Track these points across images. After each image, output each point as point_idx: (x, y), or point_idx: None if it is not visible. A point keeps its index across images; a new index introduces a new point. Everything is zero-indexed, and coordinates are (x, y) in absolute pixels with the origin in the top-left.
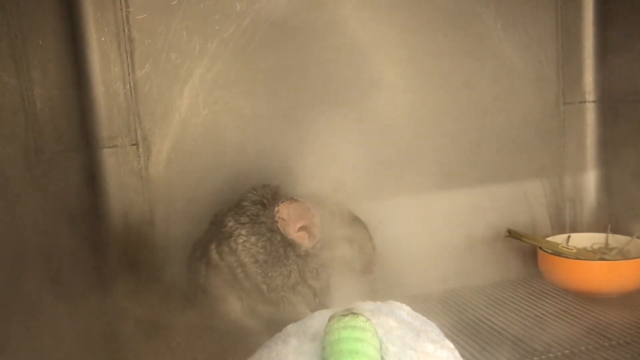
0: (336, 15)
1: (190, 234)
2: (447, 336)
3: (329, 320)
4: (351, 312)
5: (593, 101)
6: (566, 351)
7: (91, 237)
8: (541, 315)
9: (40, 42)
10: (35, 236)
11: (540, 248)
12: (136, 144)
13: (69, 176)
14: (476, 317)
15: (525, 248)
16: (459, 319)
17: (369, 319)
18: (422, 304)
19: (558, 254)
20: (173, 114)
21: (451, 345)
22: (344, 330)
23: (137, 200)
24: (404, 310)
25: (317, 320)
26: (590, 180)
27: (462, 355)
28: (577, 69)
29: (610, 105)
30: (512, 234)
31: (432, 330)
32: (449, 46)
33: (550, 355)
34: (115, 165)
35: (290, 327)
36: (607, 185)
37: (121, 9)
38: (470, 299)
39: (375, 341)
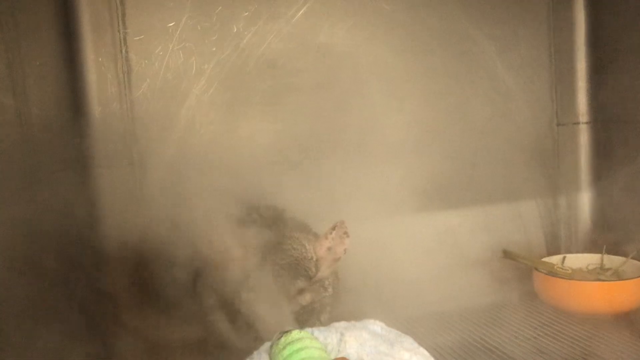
0: (332, 37)
1: (185, 255)
2: (443, 357)
3: (270, 348)
4: (282, 332)
5: (586, 122)
6: None
7: (86, 257)
8: (537, 336)
9: (37, 63)
10: (30, 255)
11: (536, 269)
12: (132, 164)
13: (64, 195)
14: (472, 339)
15: (520, 269)
16: (455, 340)
17: (300, 329)
18: (417, 325)
19: (554, 274)
20: (169, 134)
21: (426, 353)
22: (285, 350)
23: (132, 220)
24: (378, 326)
25: None
26: (585, 200)
27: None
28: (570, 90)
29: (604, 127)
30: (507, 254)
31: (406, 340)
32: (444, 68)
33: None
34: (110, 185)
35: (267, 344)
36: (601, 205)
37: (119, 31)
38: (466, 320)
39: (315, 343)
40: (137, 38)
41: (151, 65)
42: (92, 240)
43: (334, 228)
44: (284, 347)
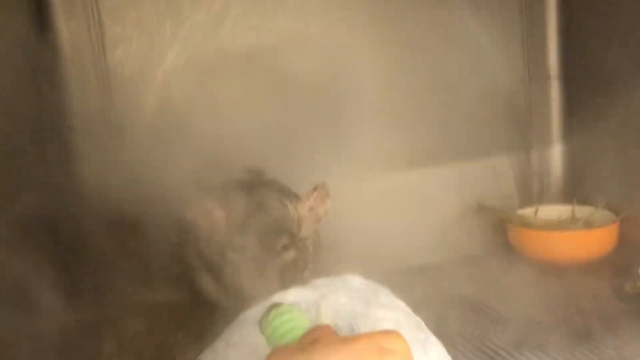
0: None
1: (167, 218)
2: (419, 309)
3: (260, 321)
4: (272, 306)
5: (557, 78)
6: (536, 316)
7: (69, 230)
8: (511, 286)
9: (9, 32)
10: (14, 230)
11: (510, 221)
12: (110, 131)
13: (44, 166)
14: (449, 290)
15: (495, 222)
16: (432, 292)
17: (289, 304)
18: (394, 279)
19: (527, 226)
20: (146, 99)
21: (402, 304)
22: (275, 321)
23: (114, 190)
24: (356, 281)
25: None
26: (556, 154)
27: (431, 327)
28: (541, 46)
29: (574, 82)
30: (482, 208)
31: (383, 293)
32: (416, 27)
33: (521, 322)
34: (90, 153)
35: (247, 312)
36: (572, 158)
37: None
38: (443, 273)
39: (303, 314)
40: (110, 2)
41: (125, 29)
42: (73, 211)
43: (315, 189)
44: (274, 319)
